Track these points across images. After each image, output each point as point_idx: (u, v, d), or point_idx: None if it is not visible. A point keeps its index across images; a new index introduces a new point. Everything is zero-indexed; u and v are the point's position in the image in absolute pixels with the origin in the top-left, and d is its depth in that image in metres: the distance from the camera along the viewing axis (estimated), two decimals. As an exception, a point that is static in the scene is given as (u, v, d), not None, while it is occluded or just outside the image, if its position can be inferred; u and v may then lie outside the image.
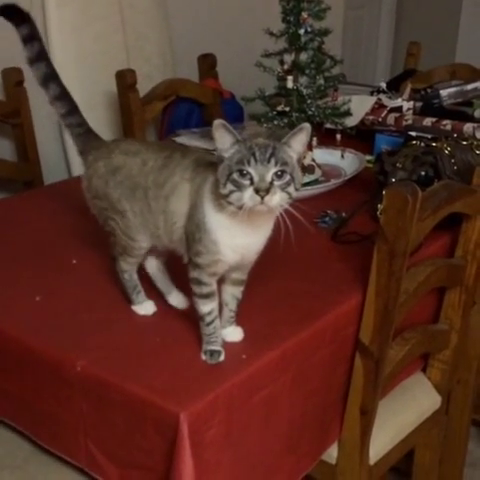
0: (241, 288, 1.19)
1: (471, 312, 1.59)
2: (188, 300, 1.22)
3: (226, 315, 1.19)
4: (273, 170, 1.02)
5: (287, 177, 1.03)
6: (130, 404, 1.09)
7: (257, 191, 1.01)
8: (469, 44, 4.44)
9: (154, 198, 1.16)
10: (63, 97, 1.29)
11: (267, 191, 1.01)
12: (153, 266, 1.30)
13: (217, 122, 1.04)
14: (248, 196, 1.01)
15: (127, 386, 1.10)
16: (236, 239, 1.09)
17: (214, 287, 1.14)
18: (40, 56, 1.24)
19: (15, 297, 1.35)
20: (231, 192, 1.02)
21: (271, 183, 1.01)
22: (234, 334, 1.19)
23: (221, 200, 1.05)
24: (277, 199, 1.02)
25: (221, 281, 1.16)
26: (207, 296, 1.13)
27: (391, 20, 4.76)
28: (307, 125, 1.05)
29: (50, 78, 1.26)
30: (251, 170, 1.01)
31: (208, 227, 1.08)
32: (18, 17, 1.21)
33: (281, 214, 1.05)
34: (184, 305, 1.26)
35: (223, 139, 1.04)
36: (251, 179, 1.01)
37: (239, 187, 1.02)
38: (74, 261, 1.49)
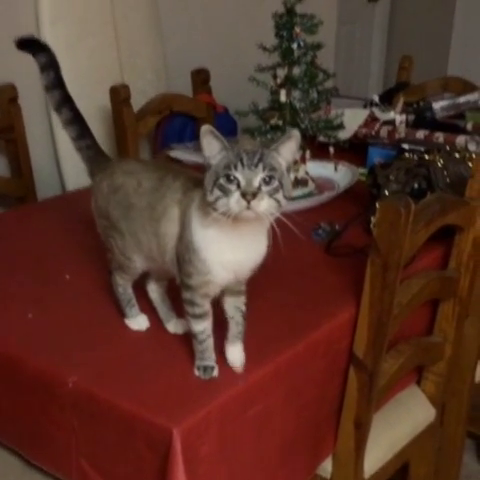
0: (242, 298, 1.15)
1: (465, 324, 1.58)
2: (187, 326, 1.18)
3: (233, 329, 1.15)
4: (261, 175, 1.00)
5: (275, 183, 1.01)
6: (122, 420, 1.09)
7: (244, 195, 0.99)
8: (461, 58, 4.46)
9: (148, 220, 1.15)
10: (75, 121, 1.30)
11: (254, 195, 0.99)
12: (154, 292, 1.29)
13: (205, 128, 1.03)
14: (234, 200, 0.99)
15: (119, 402, 1.09)
16: (226, 254, 1.07)
17: (207, 307, 1.12)
18: (55, 83, 1.27)
19: (7, 313, 1.35)
20: (218, 198, 1.00)
21: (259, 188, 1.00)
22: (237, 355, 1.16)
23: (207, 208, 1.03)
24: (264, 205, 1.00)
25: (220, 295, 1.14)
26: (200, 316, 1.12)
27: (383, 34, 4.79)
28: (296, 132, 1.04)
29: (63, 103, 1.28)
30: (238, 175, 0.99)
31: (197, 246, 1.07)
32: (35, 47, 1.27)
33: (273, 227, 1.03)
34: (182, 331, 1.24)
35: (211, 146, 1.03)
36: (238, 184, 1.00)
37: (225, 192, 1.00)
38: (67, 276, 1.48)
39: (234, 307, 1.15)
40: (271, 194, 1.01)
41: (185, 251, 1.09)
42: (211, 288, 1.10)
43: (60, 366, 1.18)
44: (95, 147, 1.31)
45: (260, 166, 1.00)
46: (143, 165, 1.23)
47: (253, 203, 0.99)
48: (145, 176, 1.18)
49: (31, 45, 1.28)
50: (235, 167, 1.00)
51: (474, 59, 4.32)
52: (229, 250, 1.07)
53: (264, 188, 1.00)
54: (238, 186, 0.99)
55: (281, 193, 1.02)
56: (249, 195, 0.99)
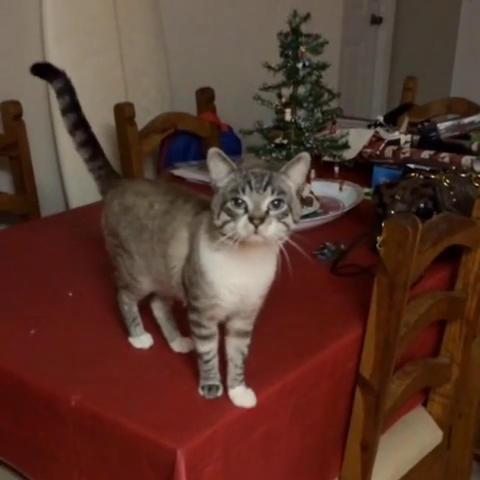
0: (246, 341, 1.11)
1: (472, 345, 1.57)
2: (192, 344, 1.16)
3: (232, 372, 1.11)
4: (269, 199, 0.97)
5: (284, 207, 0.98)
6: (125, 440, 1.07)
7: (251, 219, 0.96)
8: (464, 79, 4.48)
9: (157, 242, 1.14)
10: (88, 143, 1.30)
11: (262, 220, 0.96)
12: (159, 310, 1.28)
13: (212, 151, 1.01)
14: (242, 225, 0.97)
15: (122, 421, 1.07)
16: (233, 278, 1.04)
17: (214, 329, 1.10)
18: (71, 107, 1.29)
19: (9, 330, 1.33)
20: (225, 222, 0.98)
21: (267, 212, 0.97)
22: (244, 398, 1.11)
23: (215, 232, 1.01)
24: (272, 229, 0.97)
25: (225, 333, 1.12)
26: (206, 337, 1.10)
27: (386, 56, 4.81)
28: (306, 155, 1.02)
29: (78, 126, 1.29)
30: (246, 198, 0.97)
31: (204, 269, 1.05)
32: (51, 73, 1.29)
33: (281, 250, 1.01)
34: (187, 349, 1.23)
35: (218, 168, 1.01)
36: (246, 208, 0.97)
37: (233, 216, 0.97)
38: (70, 294, 1.47)
39: (236, 349, 1.12)
40: (279, 218, 0.98)
41: (192, 273, 1.07)
42: (218, 311, 1.08)
43: (63, 384, 1.16)
44: (107, 167, 1.31)
45: (268, 189, 0.98)
46: (155, 187, 1.21)
47: (261, 228, 0.97)
48: (157, 199, 1.16)
49: (46, 71, 1.30)
50: (243, 190, 0.97)
51: (477, 80, 4.34)
52: (236, 274, 1.04)
53: (272, 212, 0.98)
54: (246, 210, 0.97)
55: (290, 217, 0.99)
56: (257, 220, 0.96)
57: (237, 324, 1.11)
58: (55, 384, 1.17)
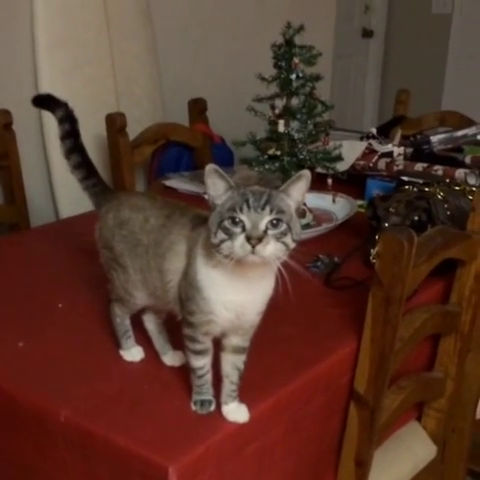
0: (243, 357, 1.09)
1: (466, 359, 1.55)
2: (184, 357, 1.15)
3: (227, 389, 1.09)
4: (268, 218, 0.95)
5: (283, 226, 0.96)
6: (116, 456, 1.04)
7: (248, 239, 0.94)
8: (455, 92, 4.50)
9: (153, 257, 1.12)
10: (82, 165, 1.29)
11: (259, 240, 0.94)
12: (151, 323, 1.26)
13: (209, 167, 0.99)
14: (239, 244, 0.94)
15: (113, 437, 1.05)
16: (229, 295, 1.02)
17: (208, 344, 1.08)
18: (69, 134, 1.29)
19: (-3, 343, 1.30)
20: (222, 241, 0.96)
21: (265, 232, 0.95)
22: (238, 413, 1.09)
23: (212, 250, 0.99)
24: (271, 249, 0.95)
25: (221, 349, 1.10)
26: (200, 352, 1.08)
27: (377, 68, 4.84)
28: (306, 172, 0.99)
29: (73, 151, 1.29)
30: (243, 217, 0.95)
31: (200, 285, 1.03)
32: (53, 104, 1.31)
33: (280, 270, 0.98)
34: (179, 363, 1.21)
35: (216, 186, 0.99)
36: (243, 227, 0.95)
37: (230, 235, 0.95)
38: (60, 305, 1.45)
39: (232, 365, 1.09)
40: (278, 238, 0.96)
41: (189, 288, 1.05)
42: (213, 327, 1.06)
43: (52, 399, 1.14)
44: (101, 184, 1.29)
45: (267, 208, 0.96)
46: (151, 201, 1.19)
47: (258, 248, 0.94)
48: (153, 213, 1.14)
49: (48, 102, 1.32)
50: (240, 209, 0.95)
51: (468, 93, 4.36)
52: (232, 291, 1.02)
53: (270, 232, 0.96)
54: (243, 229, 0.95)
55: (289, 236, 0.97)
56: (254, 239, 0.94)
57: (234, 340, 1.09)
58: (44, 399, 1.14)
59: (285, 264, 0.99)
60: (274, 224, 0.96)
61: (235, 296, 1.03)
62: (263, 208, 0.95)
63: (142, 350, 1.25)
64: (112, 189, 1.32)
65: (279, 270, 0.99)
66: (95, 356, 1.26)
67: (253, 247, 0.94)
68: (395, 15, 4.75)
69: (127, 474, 1.03)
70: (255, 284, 1.03)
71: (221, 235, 0.96)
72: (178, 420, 1.08)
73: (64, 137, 1.30)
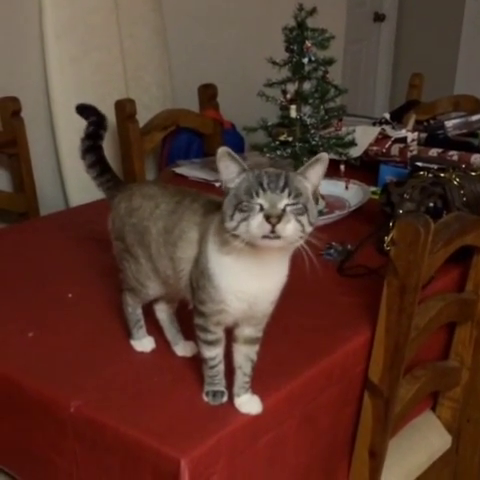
0: (255, 348, 1.07)
1: (482, 348, 1.53)
2: (196, 348, 1.13)
3: (240, 380, 1.07)
4: (286, 199, 0.92)
5: (301, 207, 0.93)
6: (126, 448, 1.03)
7: (268, 218, 0.91)
8: (468, 76, 4.44)
9: (164, 244, 1.10)
10: (96, 164, 1.28)
11: (279, 218, 0.91)
12: (163, 312, 1.24)
13: (222, 150, 0.96)
14: (256, 224, 0.91)
15: (123, 429, 1.03)
16: (241, 284, 1.00)
17: (220, 334, 1.06)
18: (89, 136, 1.30)
19: (6, 332, 1.29)
20: (239, 223, 0.93)
21: (283, 210, 0.93)
22: (251, 405, 1.07)
23: (226, 235, 0.96)
24: (291, 229, 0.92)
25: (233, 340, 1.08)
26: (212, 343, 1.06)
27: (389, 53, 4.78)
28: (324, 155, 0.97)
29: (89, 150, 1.29)
30: (261, 198, 0.92)
31: (211, 273, 1.00)
32: (89, 112, 1.33)
33: (301, 254, 0.96)
34: (191, 353, 1.19)
35: (228, 169, 0.96)
36: (261, 207, 0.92)
37: (247, 216, 0.92)
38: (70, 295, 1.43)
39: (245, 357, 1.07)
40: (296, 218, 0.93)
41: (200, 277, 1.03)
42: (224, 317, 1.03)
43: (62, 389, 1.12)
44: (114, 178, 1.29)
45: (286, 190, 0.93)
46: (163, 189, 1.16)
47: (278, 227, 0.91)
48: (164, 200, 1.12)
49: (86, 110, 1.33)
50: (257, 190, 0.93)
51: (481, 77, 4.30)
52: (245, 280, 1.00)
53: (289, 210, 0.93)
54: (261, 209, 0.92)
55: (306, 218, 0.94)
56: (274, 218, 0.91)
57: (246, 331, 1.07)
58: (54, 389, 1.13)
59: (299, 251, 0.96)
60: (292, 205, 0.93)
61: (248, 285, 1.00)
62: (282, 189, 0.93)
63: (153, 340, 1.23)
64: (126, 183, 1.31)
65: (299, 253, 0.96)
66: (105, 346, 1.24)
67: (273, 226, 0.91)
68: (407, -2, 4.68)
69: (138, 466, 1.02)
70: (269, 272, 1.01)
71: (238, 217, 0.93)
72: (190, 411, 1.07)
73: (85, 138, 1.30)
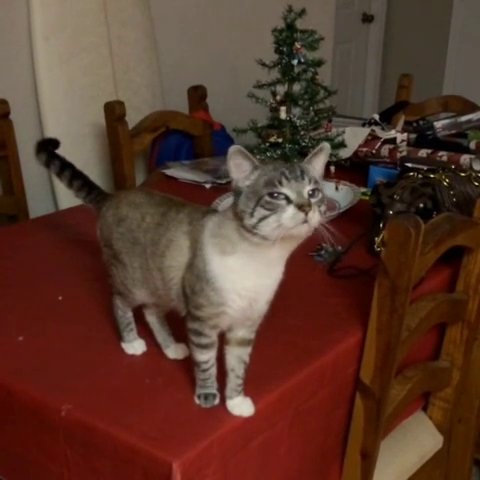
0: (248, 349, 1.07)
1: (473, 348, 1.53)
2: (187, 349, 1.13)
3: (232, 383, 1.07)
4: (308, 187, 0.94)
5: (321, 195, 0.95)
6: (118, 452, 1.02)
7: (300, 207, 0.92)
8: (456, 77, 4.46)
9: (151, 256, 1.09)
10: (84, 186, 1.30)
11: (310, 206, 0.92)
12: (153, 316, 1.23)
13: (233, 148, 0.95)
14: (289, 215, 0.92)
15: (115, 432, 1.03)
16: (246, 281, 1.00)
17: (214, 338, 1.05)
18: (63, 168, 1.34)
19: (-4, 336, 1.28)
20: (263, 218, 0.93)
21: (309, 199, 0.94)
22: (243, 407, 1.07)
23: (232, 236, 0.97)
24: (318, 216, 0.94)
25: (225, 343, 1.08)
26: (206, 346, 1.05)
27: (378, 54, 4.79)
28: (327, 145, 1.00)
29: (73, 178, 1.32)
30: (285, 190, 0.93)
31: (211, 275, 1.00)
32: (39, 149, 1.37)
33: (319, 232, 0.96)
34: (182, 356, 1.19)
35: (240, 167, 0.95)
36: (287, 198, 0.93)
37: (274, 209, 0.92)
38: (60, 298, 1.42)
39: (237, 358, 1.07)
40: (318, 206, 0.95)
41: (196, 281, 1.02)
42: (223, 319, 1.03)
43: (52, 393, 1.12)
44: (96, 189, 1.29)
45: (306, 178, 0.94)
46: (149, 198, 1.16)
47: (310, 215, 0.93)
48: (149, 211, 1.12)
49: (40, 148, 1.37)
50: (280, 182, 0.93)
51: (470, 77, 4.32)
52: (249, 277, 1.00)
53: (313, 199, 0.94)
54: (288, 201, 0.93)
55: (323, 206, 0.96)
56: (306, 206, 0.92)
57: (240, 333, 1.06)
58: (44, 393, 1.12)
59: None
60: (313, 193, 0.95)
61: (251, 281, 1.00)
62: (303, 178, 0.94)
63: (144, 343, 1.23)
64: (108, 193, 1.31)
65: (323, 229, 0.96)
66: (96, 349, 1.24)
67: (306, 214, 0.92)
68: (395, -1, 4.70)
69: (130, 469, 1.02)
70: (270, 268, 1.01)
71: (261, 212, 0.93)
72: (181, 414, 1.06)
73: (61, 172, 1.33)
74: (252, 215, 0.94)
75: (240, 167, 0.96)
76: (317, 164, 0.99)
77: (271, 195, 0.93)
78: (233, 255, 0.99)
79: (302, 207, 0.92)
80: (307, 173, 0.95)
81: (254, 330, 1.07)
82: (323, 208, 0.96)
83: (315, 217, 0.93)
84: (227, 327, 1.06)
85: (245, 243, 0.97)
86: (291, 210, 0.93)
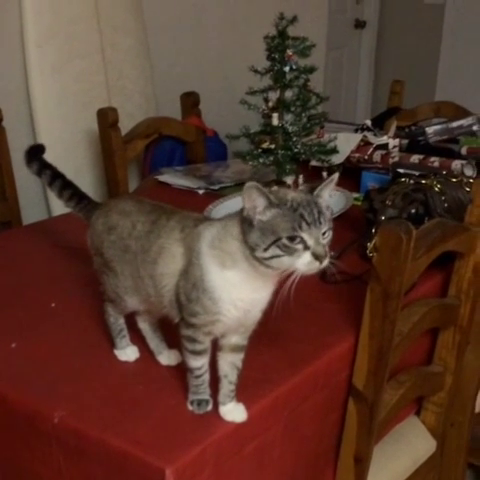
0: (241, 355, 1.08)
1: (465, 353, 1.54)
2: (180, 355, 1.14)
3: (225, 389, 1.07)
4: (323, 230, 0.96)
5: (330, 234, 0.98)
6: (111, 458, 1.02)
7: (316, 257, 0.95)
8: (448, 83, 4.48)
9: (142, 263, 1.10)
10: (73, 196, 1.31)
11: (326, 256, 0.96)
12: (145, 322, 1.23)
13: (250, 185, 0.95)
14: (305, 262, 0.95)
15: (108, 438, 1.03)
16: (242, 294, 1.01)
17: (208, 344, 1.06)
18: (54, 178, 1.34)
19: (-11, 343, 1.28)
20: (276, 256, 0.95)
21: (323, 244, 0.96)
22: (236, 413, 1.07)
23: (234, 253, 0.98)
24: (328, 259, 0.97)
25: (218, 349, 1.08)
26: (199, 353, 1.06)
27: (370, 59, 4.81)
28: (336, 175, 1.01)
29: (63, 188, 1.33)
30: (304, 235, 0.94)
31: (209, 285, 1.01)
32: (30, 158, 1.39)
33: None
34: (175, 362, 1.19)
35: (254, 202, 0.96)
36: (304, 243, 0.94)
37: (290, 253, 0.94)
38: (53, 305, 1.42)
39: (230, 364, 1.08)
40: (329, 245, 0.98)
41: (192, 289, 1.02)
42: (217, 326, 1.04)
43: (45, 400, 1.12)
44: (85, 199, 1.30)
45: (322, 221, 0.96)
46: (139, 206, 1.16)
47: (324, 263, 0.96)
48: (140, 219, 1.12)
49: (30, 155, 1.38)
50: (300, 227, 0.94)
51: (461, 83, 4.34)
52: (246, 290, 1.01)
53: (324, 241, 0.97)
54: (305, 246, 0.94)
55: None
56: (322, 257, 0.95)
57: (233, 339, 1.07)
58: (37, 400, 1.12)
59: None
60: (325, 234, 0.97)
61: (248, 295, 1.02)
62: (320, 222, 0.95)
63: (137, 350, 1.23)
64: (97, 202, 1.32)
65: None
66: (89, 356, 1.24)
67: (321, 263, 0.96)
68: (388, 6, 4.72)
69: (123, 476, 1.02)
70: (269, 282, 1.02)
71: (276, 251, 0.95)
72: (175, 420, 1.06)
73: (52, 182, 1.34)
74: (266, 250, 0.95)
75: (254, 202, 0.96)
76: (326, 193, 1.00)
77: (289, 239, 0.94)
78: (232, 270, 1.00)
79: (319, 258, 0.95)
80: (323, 214, 0.96)
81: (247, 336, 1.08)
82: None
83: (327, 261, 0.96)
84: (221, 334, 1.06)
85: (246, 263, 0.98)
86: (307, 257, 0.95)
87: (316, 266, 0.96)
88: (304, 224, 0.94)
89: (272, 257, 0.95)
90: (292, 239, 0.94)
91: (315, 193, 0.98)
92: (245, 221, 0.97)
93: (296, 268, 0.95)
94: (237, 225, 0.99)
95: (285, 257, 0.95)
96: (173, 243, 1.06)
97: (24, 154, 1.35)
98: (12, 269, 1.62)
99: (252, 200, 0.96)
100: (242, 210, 0.98)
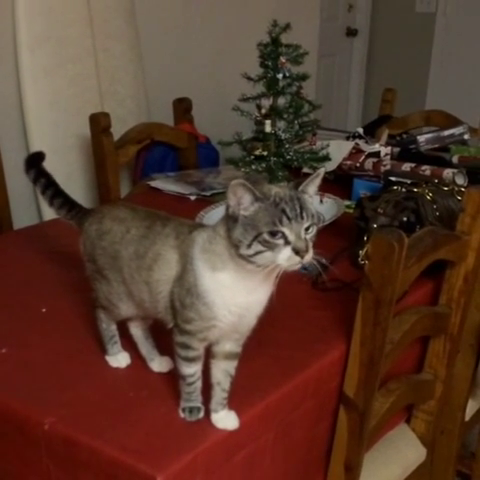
0: (235, 363, 1.07)
1: (455, 361, 1.54)
2: (172, 362, 1.14)
3: (218, 396, 1.07)
4: (305, 225, 0.95)
5: (315, 230, 0.97)
6: (102, 465, 1.02)
7: (297, 252, 0.94)
8: (439, 90, 4.51)
9: (136, 269, 1.09)
10: (65, 204, 1.30)
11: (306, 250, 0.95)
12: (137, 328, 1.23)
13: (236, 182, 0.95)
14: (285, 257, 0.94)
15: (98, 446, 1.02)
16: (237, 297, 1.01)
17: (201, 351, 1.05)
18: (47, 186, 1.33)
19: (-21, 348, 1.27)
20: (258, 252, 0.94)
21: (306, 240, 0.96)
22: (227, 420, 1.07)
23: (223, 255, 0.98)
24: (311, 254, 0.96)
25: (212, 357, 1.07)
26: (193, 359, 1.05)
27: (362, 67, 4.83)
28: (322, 170, 1.01)
29: (54, 196, 1.32)
30: (285, 229, 0.94)
31: (203, 289, 1.00)
32: (28, 165, 1.36)
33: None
34: (167, 369, 1.19)
35: (240, 199, 0.96)
36: (285, 238, 0.94)
37: (272, 248, 0.94)
38: (43, 310, 1.42)
39: (224, 372, 1.07)
40: (313, 241, 0.97)
41: (186, 295, 1.02)
42: (212, 333, 1.03)
43: (36, 406, 1.11)
44: (77, 207, 1.29)
45: (304, 216, 0.95)
46: (133, 212, 1.16)
47: (305, 258, 0.96)
48: (134, 224, 1.12)
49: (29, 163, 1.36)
50: (280, 221, 0.94)
51: (452, 92, 4.37)
52: (240, 293, 1.01)
53: (308, 237, 0.96)
54: (286, 241, 0.94)
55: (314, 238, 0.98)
56: (303, 251, 0.95)
57: (227, 346, 1.07)
58: (27, 406, 1.11)
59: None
60: (309, 228, 0.96)
61: (242, 298, 1.01)
62: (302, 217, 0.95)
63: (128, 356, 1.22)
64: (88, 208, 1.32)
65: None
66: (80, 362, 1.23)
67: (302, 258, 0.95)
68: (379, 14, 4.74)
69: (113, 483, 1.01)
70: (262, 284, 1.02)
71: (258, 247, 0.95)
72: (166, 428, 1.06)
73: (45, 189, 1.33)
74: (249, 247, 0.95)
75: (240, 199, 0.96)
76: (312, 189, 1.00)
77: (270, 233, 0.94)
78: (223, 271, 0.99)
79: (299, 252, 0.94)
80: (306, 209, 0.96)
81: (241, 344, 1.08)
82: (314, 238, 0.98)
83: (309, 256, 0.96)
84: (215, 340, 1.06)
85: (234, 262, 0.98)
86: (287, 252, 0.94)
87: (297, 261, 0.95)
88: (285, 219, 0.94)
89: (256, 253, 0.95)
90: (273, 234, 0.94)
91: (300, 188, 0.98)
92: (230, 218, 0.98)
93: (277, 264, 0.95)
94: (224, 224, 1.00)
95: (267, 252, 0.94)
96: (168, 250, 1.06)
97: (24, 161, 1.34)
98: (2, 274, 1.61)
99: (238, 197, 0.96)
100: (227, 208, 0.98)
